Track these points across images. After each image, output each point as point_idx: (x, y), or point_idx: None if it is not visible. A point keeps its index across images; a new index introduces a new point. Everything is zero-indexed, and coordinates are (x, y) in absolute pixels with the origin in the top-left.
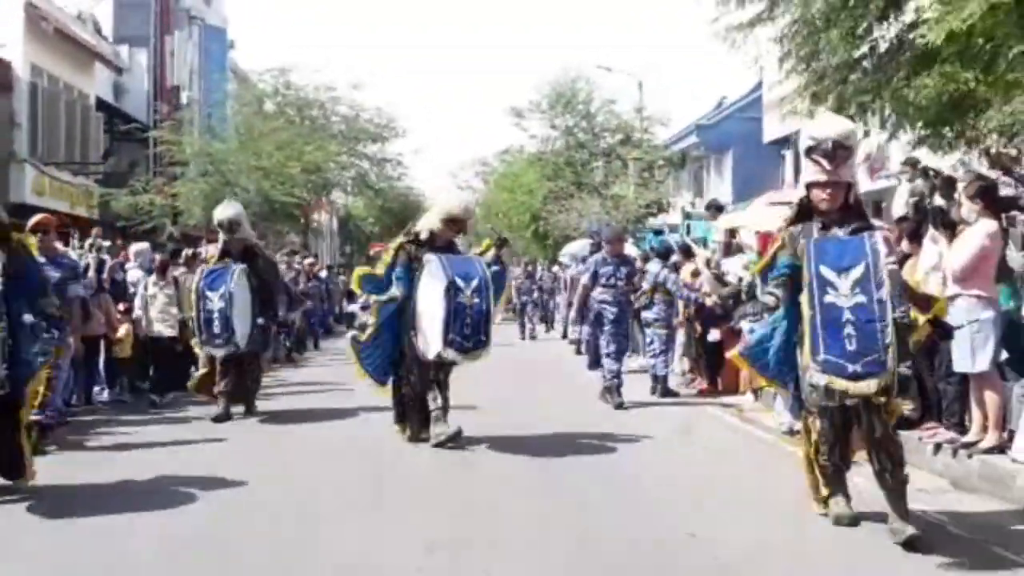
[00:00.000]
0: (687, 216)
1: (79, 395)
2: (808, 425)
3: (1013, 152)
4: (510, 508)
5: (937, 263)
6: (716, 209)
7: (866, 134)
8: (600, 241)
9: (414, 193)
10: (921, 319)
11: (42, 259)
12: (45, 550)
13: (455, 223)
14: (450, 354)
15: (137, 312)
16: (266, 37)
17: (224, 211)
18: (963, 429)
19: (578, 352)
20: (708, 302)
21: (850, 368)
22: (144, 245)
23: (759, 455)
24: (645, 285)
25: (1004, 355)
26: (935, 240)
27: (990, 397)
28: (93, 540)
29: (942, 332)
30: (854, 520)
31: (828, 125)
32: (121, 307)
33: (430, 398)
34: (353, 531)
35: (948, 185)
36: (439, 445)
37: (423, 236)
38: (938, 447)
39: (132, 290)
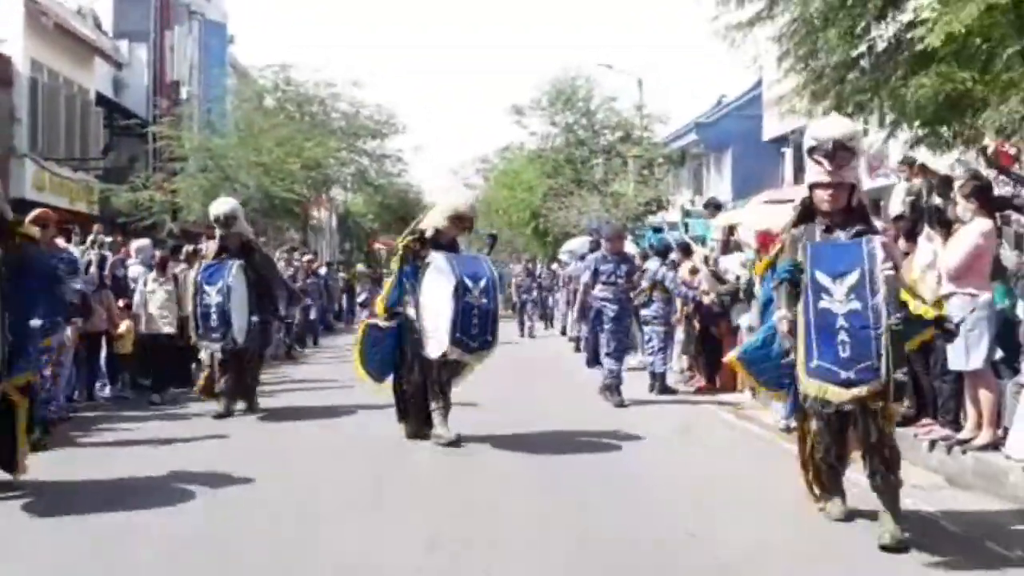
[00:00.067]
0: (686, 214)
1: (81, 391)
2: (804, 426)
3: (1013, 151)
4: (510, 507)
5: (932, 261)
6: (715, 207)
7: (864, 133)
8: (599, 239)
9: (414, 190)
10: (929, 313)
11: None
12: (46, 547)
13: (461, 220)
14: (456, 353)
15: (136, 309)
16: (266, 34)
17: (221, 206)
18: (958, 426)
19: (577, 350)
20: (706, 300)
21: (843, 375)
22: (145, 241)
23: (758, 453)
24: (644, 283)
25: (999, 354)
26: (930, 238)
27: (984, 395)
28: (94, 537)
29: (946, 334)
30: (849, 515)
31: (830, 125)
32: (121, 303)
33: (431, 398)
34: (353, 530)
35: (945, 184)
36: (410, 438)
37: (428, 234)
38: (933, 444)
39: (133, 286)
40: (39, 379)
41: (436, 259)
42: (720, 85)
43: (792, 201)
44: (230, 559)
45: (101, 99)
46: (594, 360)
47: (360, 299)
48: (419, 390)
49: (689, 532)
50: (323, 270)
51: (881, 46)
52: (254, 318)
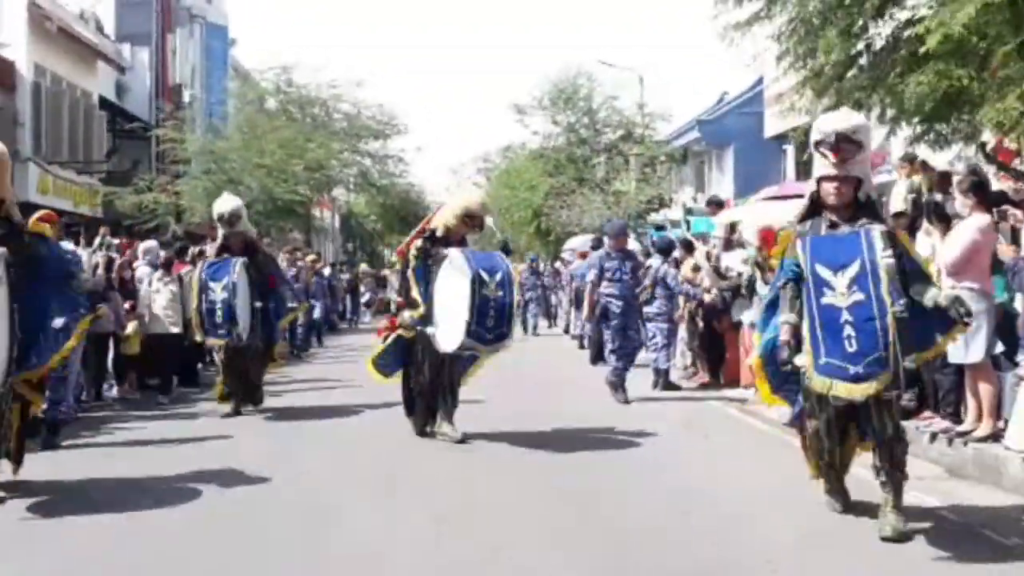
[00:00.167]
0: (688, 211)
1: (89, 391)
2: (805, 426)
3: (1013, 146)
4: (516, 498)
5: (931, 256)
6: (716, 205)
7: None
8: (601, 237)
9: (415, 190)
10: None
11: None
12: (54, 546)
13: (472, 219)
14: (469, 343)
15: (141, 308)
16: (267, 36)
17: (224, 204)
18: (958, 418)
19: (581, 347)
20: (707, 298)
21: (851, 370)
22: (152, 243)
23: (762, 447)
24: (646, 281)
25: (1000, 347)
26: (929, 233)
27: (984, 387)
28: (103, 536)
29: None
30: (850, 507)
31: (836, 118)
32: (127, 305)
33: (439, 396)
34: (363, 523)
35: (944, 180)
36: (419, 434)
37: (439, 233)
38: (934, 436)
39: (140, 288)
40: (50, 378)
41: (454, 256)
42: (722, 82)
43: (792, 197)
44: (242, 555)
45: (104, 103)
46: (598, 357)
47: (364, 299)
48: (428, 387)
49: (692, 524)
50: (327, 270)
51: (879, 44)
52: (256, 315)
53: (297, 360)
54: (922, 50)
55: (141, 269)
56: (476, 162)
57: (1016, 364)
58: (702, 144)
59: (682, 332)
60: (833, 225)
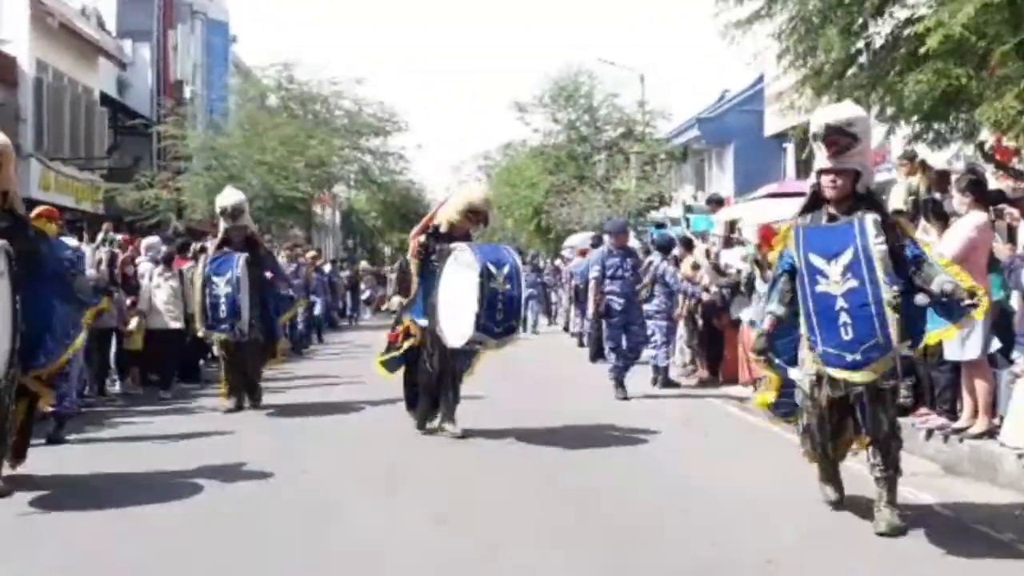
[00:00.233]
0: (688, 209)
1: (92, 386)
2: (799, 419)
3: (1012, 145)
4: (516, 493)
5: None
6: (716, 203)
7: None
8: (601, 235)
9: (416, 187)
10: (966, 280)
11: None
12: (58, 540)
13: (476, 214)
14: (479, 337)
15: (141, 305)
16: (267, 34)
17: (228, 198)
18: (954, 415)
19: (581, 344)
20: (705, 297)
21: (848, 357)
22: (155, 239)
23: (761, 444)
24: (646, 278)
25: (997, 344)
26: (927, 231)
27: (980, 384)
28: (107, 531)
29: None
30: (842, 502)
31: (829, 111)
32: (129, 301)
33: (442, 391)
34: (364, 519)
35: (942, 178)
36: (419, 429)
37: (443, 229)
38: (930, 433)
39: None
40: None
41: (462, 250)
42: (722, 80)
43: (792, 195)
44: (243, 551)
45: (105, 99)
46: (597, 355)
47: (364, 296)
48: (436, 379)
49: (692, 522)
50: (327, 267)
51: (879, 43)
52: (257, 310)
53: (298, 356)
54: (922, 50)
55: (143, 265)
56: (476, 160)
57: (1012, 361)
58: (702, 142)
59: (681, 330)
60: (832, 218)
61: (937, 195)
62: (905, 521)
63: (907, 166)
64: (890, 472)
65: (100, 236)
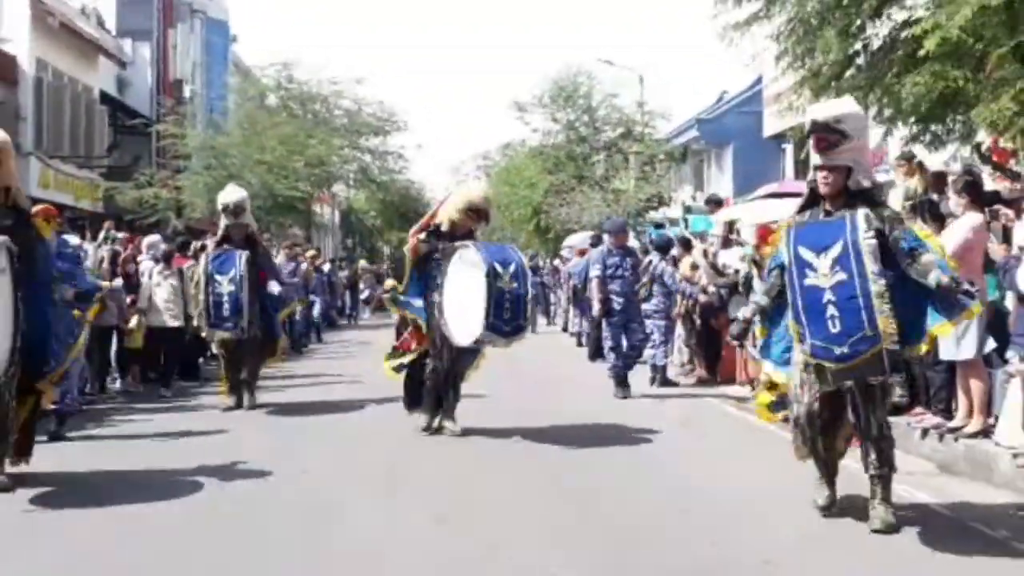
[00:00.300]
0: (687, 210)
1: (93, 384)
2: (789, 412)
3: (1010, 146)
4: (516, 492)
5: None
6: (715, 203)
7: None
8: (600, 235)
9: (415, 187)
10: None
11: None
12: (59, 538)
13: (477, 213)
14: (487, 336)
15: (141, 303)
16: (267, 34)
17: (230, 195)
18: (949, 415)
19: (579, 344)
20: (702, 299)
21: (836, 351)
22: (156, 237)
23: (758, 443)
24: (644, 278)
25: (993, 344)
26: None
27: (975, 384)
28: (106, 529)
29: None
30: (834, 508)
31: (817, 109)
32: (129, 299)
33: (443, 390)
34: (364, 518)
35: (939, 180)
36: (426, 431)
37: (444, 228)
38: (925, 432)
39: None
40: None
41: (467, 248)
42: (721, 81)
43: (790, 195)
44: (243, 551)
45: (105, 97)
46: (596, 354)
47: (363, 296)
48: (443, 376)
49: (691, 522)
50: (326, 266)
51: (876, 44)
52: (256, 308)
53: (297, 355)
54: (920, 52)
55: (145, 263)
56: (476, 160)
57: (1006, 361)
58: (701, 143)
59: (679, 329)
60: (828, 214)
61: (934, 196)
62: (900, 518)
63: (905, 167)
64: (884, 470)
65: (102, 234)
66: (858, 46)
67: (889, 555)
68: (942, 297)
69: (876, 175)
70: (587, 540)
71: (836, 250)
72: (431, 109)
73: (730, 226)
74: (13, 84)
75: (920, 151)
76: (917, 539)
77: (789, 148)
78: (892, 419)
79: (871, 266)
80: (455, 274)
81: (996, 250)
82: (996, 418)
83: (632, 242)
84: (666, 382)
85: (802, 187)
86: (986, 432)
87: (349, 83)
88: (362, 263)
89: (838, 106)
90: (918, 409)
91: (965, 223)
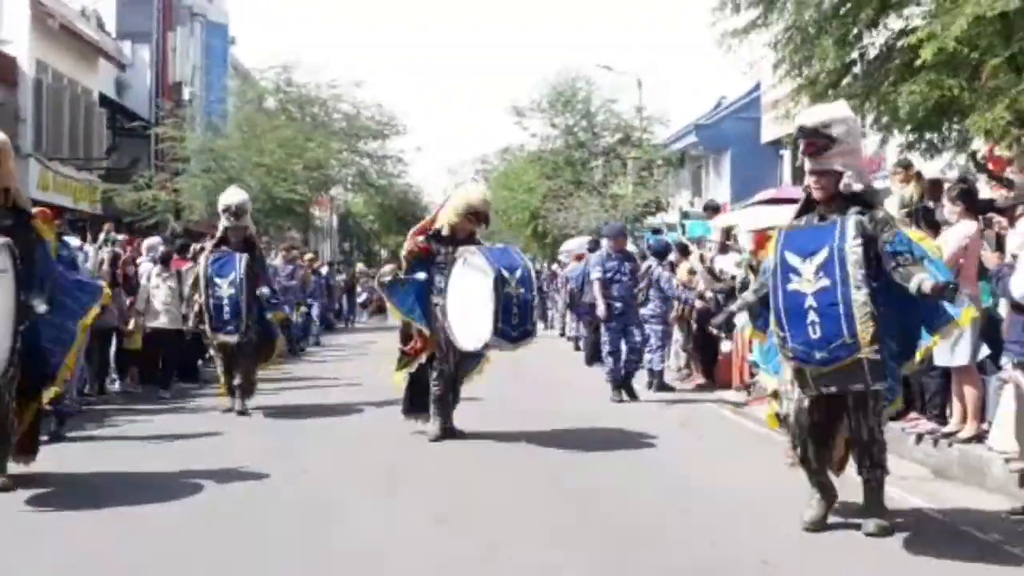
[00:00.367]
0: (685, 215)
1: (92, 385)
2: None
3: (1007, 154)
4: (514, 494)
5: None
6: (713, 209)
7: (863, 135)
8: (598, 239)
9: (413, 191)
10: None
11: None
12: (60, 540)
13: (476, 215)
14: (495, 341)
15: (139, 304)
16: (266, 35)
17: (232, 196)
18: (944, 420)
19: (577, 349)
20: (698, 304)
21: (817, 355)
22: (156, 239)
23: (755, 447)
24: (642, 283)
25: (986, 351)
26: None
27: (969, 390)
28: (106, 530)
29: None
30: (819, 526)
31: (809, 113)
32: (128, 301)
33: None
34: (363, 519)
35: (935, 188)
36: (437, 440)
37: (444, 231)
38: (920, 437)
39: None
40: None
41: (469, 253)
42: (720, 87)
43: (788, 201)
44: (243, 552)
45: (104, 100)
46: (594, 358)
47: (360, 299)
48: (450, 377)
49: (691, 522)
50: (324, 269)
51: (873, 53)
52: (253, 311)
53: (295, 358)
54: (916, 61)
55: (144, 265)
56: (474, 163)
57: (1000, 367)
58: (699, 148)
59: (676, 334)
60: (823, 219)
61: (930, 204)
62: (894, 523)
63: (902, 174)
64: (877, 473)
65: (102, 236)
66: (855, 55)
67: (886, 557)
68: (926, 306)
69: (873, 183)
70: (587, 540)
71: (822, 256)
72: (430, 109)
73: (727, 232)
74: (13, 86)
75: (916, 159)
76: (912, 543)
77: (787, 154)
78: (887, 424)
79: (855, 274)
80: (460, 278)
81: (989, 258)
82: (990, 423)
83: (630, 247)
84: (663, 387)
85: (799, 193)
86: (980, 437)
87: (348, 86)
88: (360, 266)
89: (827, 111)
90: (913, 414)
91: (960, 231)
